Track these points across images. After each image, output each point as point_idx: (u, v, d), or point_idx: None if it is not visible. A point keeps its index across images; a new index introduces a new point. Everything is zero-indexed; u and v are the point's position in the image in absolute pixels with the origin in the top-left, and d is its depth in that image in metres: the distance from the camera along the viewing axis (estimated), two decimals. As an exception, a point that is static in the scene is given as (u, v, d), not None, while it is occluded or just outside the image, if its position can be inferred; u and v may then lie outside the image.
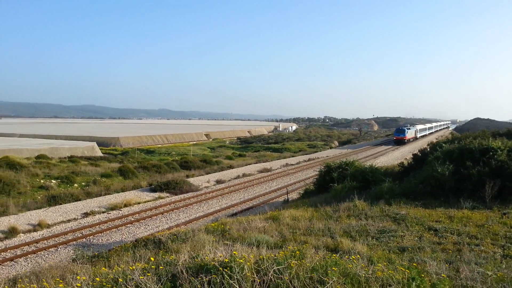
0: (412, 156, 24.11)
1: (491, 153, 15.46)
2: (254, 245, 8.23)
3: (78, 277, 6.05)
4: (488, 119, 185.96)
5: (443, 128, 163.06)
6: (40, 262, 16.05)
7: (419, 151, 23.36)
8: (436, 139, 52.33)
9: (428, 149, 22.24)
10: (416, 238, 9.94)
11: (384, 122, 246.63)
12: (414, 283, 5.39)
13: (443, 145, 19.69)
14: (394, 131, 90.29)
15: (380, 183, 17.77)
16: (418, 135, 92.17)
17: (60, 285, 5.72)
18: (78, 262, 10.69)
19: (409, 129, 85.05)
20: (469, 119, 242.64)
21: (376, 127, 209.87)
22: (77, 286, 5.35)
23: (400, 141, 77.69)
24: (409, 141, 79.64)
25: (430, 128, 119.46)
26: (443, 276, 6.14)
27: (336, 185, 19.45)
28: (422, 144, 62.64)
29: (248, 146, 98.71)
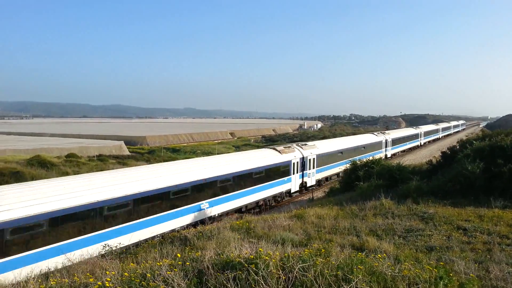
0: (441, 154, 23.60)
1: (523, 151, 15.02)
2: (279, 243, 8.25)
3: (107, 272, 6.20)
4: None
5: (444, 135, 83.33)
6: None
7: (448, 148, 22.83)
8: None
9: (458, 147, 21.73)
10: (445, 238, 9.77)
11: (412, 120, 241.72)
12: (441, 282, 5.30)
13: (473, 142, 19.20)
14: None
15: (408, 181, 17.45)
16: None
17: (90, 279, 5.89)
18: (107, 258, 10.94)
19: None
20: (501, 116, 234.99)
21: (403, 125, 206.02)
22: (106, 280, 5.49)
23: None
24: None
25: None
26: (472, 276, 6.02)
27: (362, 184, 19.23)
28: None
29: (273, 145, 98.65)
